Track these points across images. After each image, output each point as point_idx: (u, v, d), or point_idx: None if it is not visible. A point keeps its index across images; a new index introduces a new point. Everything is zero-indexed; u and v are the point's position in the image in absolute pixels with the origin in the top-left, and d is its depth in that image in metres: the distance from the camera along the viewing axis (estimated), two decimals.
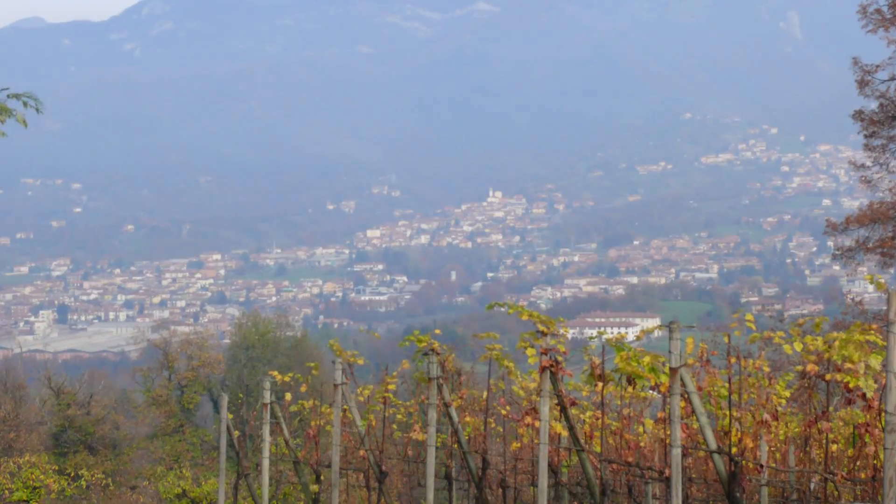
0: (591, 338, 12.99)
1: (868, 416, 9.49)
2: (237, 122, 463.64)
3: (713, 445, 10.34)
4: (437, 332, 15.69)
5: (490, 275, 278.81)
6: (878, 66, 32.88)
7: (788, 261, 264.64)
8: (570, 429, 12.47)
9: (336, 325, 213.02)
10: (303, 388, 17.55)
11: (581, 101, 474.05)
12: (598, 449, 13.06)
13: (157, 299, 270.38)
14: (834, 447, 11.35)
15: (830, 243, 37.13)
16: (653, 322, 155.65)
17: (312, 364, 18.87)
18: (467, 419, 16.33)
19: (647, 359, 10.88)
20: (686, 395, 10.38)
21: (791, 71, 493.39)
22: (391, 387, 17.39)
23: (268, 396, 19.42)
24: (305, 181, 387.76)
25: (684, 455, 11.36)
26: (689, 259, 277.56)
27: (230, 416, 20.78)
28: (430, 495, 14.28)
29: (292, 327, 71.94)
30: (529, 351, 12.42)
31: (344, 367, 17.06)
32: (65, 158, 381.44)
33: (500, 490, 17.30)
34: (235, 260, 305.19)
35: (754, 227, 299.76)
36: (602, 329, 13.84)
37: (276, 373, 19.44)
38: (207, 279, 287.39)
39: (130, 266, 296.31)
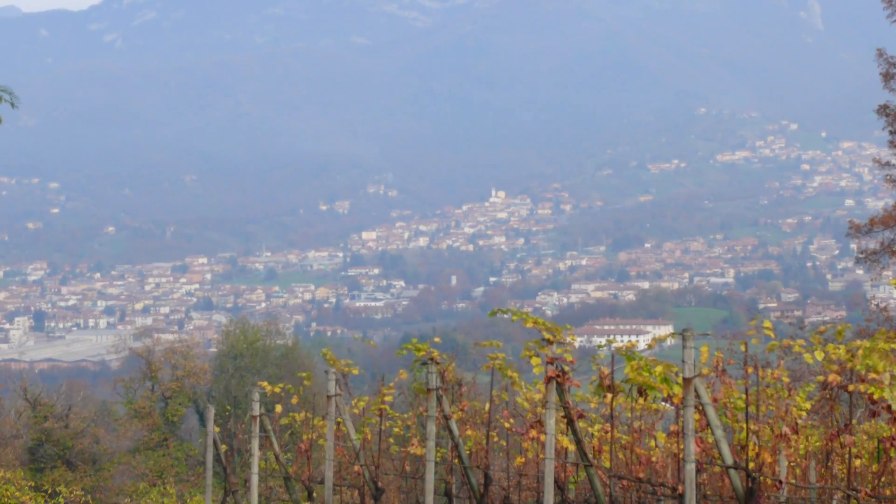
0: (599, 346, 12.49)
1: (894, 430, 9.48)
2: (224, 118, 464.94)
3: (729, 460, 10.34)
4: (437, 340, 15.52)
5: (493, 279, 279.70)
6: None
7: (809, 264, 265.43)
8: (578, 443, 12.11)
9: (329, 333, 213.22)
10: (294, 400, 17.51)
11: (589, 96, 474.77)
12: (607, 464, 12.89)
13: (139, 305, 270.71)
14: (857, 462, 11.33)
15: (853, 246, 38.18)
16: (665, 329, 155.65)
17: (304, 374, 18.80)
18: (468, 432, 16.04)
19: (659, 368, 10.68)
20: (700, 407, 10.33)
21: (812, 63, 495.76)
22: (388, 398, 17.26)
23: (257, 408, 19.29)
24: (296, 180, 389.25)
25: (699, 471, 11.26)
26: (704, 263, 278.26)
27: (217, 430, 20.70)
28: None
29: (283, 335, 71.96)
30: (534, 360, 12.16)
31: (337, 377, 16.98)
32: (41, 156, 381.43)
33: None
34: (222, 264, 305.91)
35: (773, 229, 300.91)
36: (611, 337, 13.31)
37: (265, 383, 19.39)
38: (193, 284, 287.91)
39: (111, 270, 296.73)
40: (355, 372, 17.50)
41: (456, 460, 15.56)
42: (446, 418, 14.68)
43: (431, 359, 14.48)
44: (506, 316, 12.31)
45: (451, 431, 14.78)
